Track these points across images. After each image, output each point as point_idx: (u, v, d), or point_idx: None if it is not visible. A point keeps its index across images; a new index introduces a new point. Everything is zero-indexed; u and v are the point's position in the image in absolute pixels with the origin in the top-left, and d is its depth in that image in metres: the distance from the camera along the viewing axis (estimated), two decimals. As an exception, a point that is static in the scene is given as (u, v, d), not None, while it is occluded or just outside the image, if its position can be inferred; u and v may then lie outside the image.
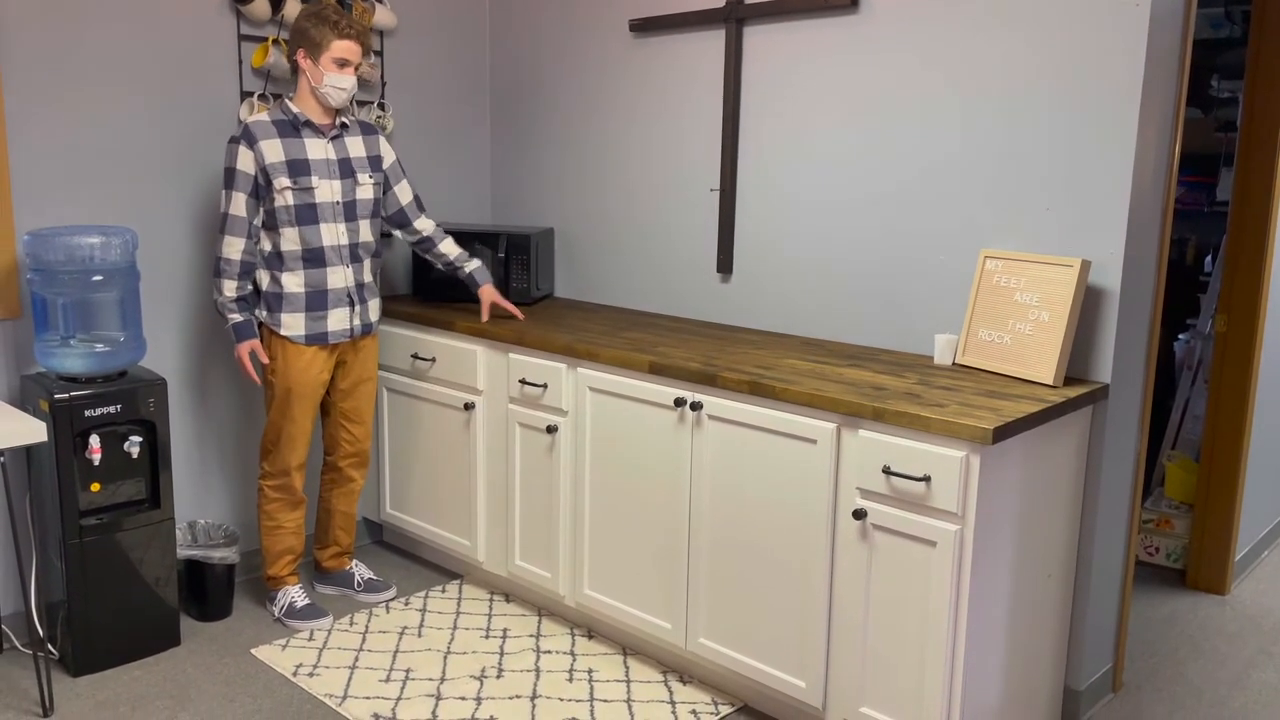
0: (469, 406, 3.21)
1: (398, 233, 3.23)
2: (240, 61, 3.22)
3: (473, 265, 3.26)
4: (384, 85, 3.60)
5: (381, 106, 3.57)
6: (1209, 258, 4.46)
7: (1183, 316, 4.43)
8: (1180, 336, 4.30)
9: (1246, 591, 3.56)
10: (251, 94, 3.24)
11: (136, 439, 2.81)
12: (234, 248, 2.89)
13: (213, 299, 3.10)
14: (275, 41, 3.23)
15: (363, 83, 3.53)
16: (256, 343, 2.94)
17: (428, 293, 3.59)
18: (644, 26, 3.33)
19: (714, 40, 3.17)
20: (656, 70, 3.35)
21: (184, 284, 3.22)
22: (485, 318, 3.20)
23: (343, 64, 2.88)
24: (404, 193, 3.17)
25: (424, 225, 3.22)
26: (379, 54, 3.56)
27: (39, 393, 2.75)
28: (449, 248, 3.26)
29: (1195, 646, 3.16)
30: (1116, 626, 2.82)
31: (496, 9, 3.84)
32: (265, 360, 2.95)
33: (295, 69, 2.93)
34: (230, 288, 2.90)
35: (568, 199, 3.70)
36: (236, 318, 2.92)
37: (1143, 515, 3.75)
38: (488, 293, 3.23)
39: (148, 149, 3.08)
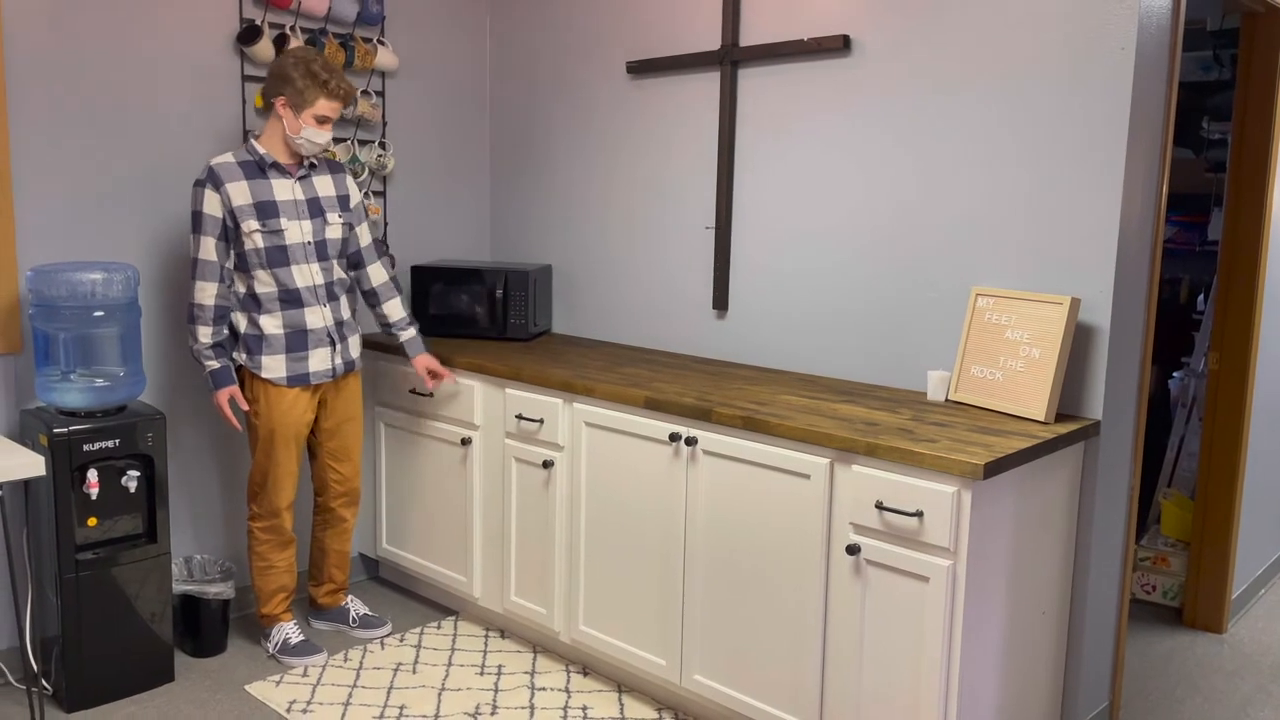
0: (466, 442, 3.22)
1: (350, 274, 3.15)
2: (244, 102, 3.28)
3: (408, 335, 3.18)
4: (385, 125, 3.65)
5: (383, 146, 3.62)
6: (1201, 296, 4.50)
7: (1178, 354, 4.46)
8: (1175, 374, 4.32)
9: (1244, 629, 3.55)
10: (253, 133, 3.29)
11: (134, 473, 2.82)
12: (207, 293, 2.86)
13: (188, 345, 3.05)
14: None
15: (364, 122, 3.58)
16: (235, 389, 2.92)
17: (425, 328, 3.62)
18: (641, 68, 3.39)
19: (709, 82, 3.23)
20: (653, 111, 3.41)
21: (184, 320, 3.24)
22: (431, 385, 3.18)
23: (323, 120, 2.88)
24: (364, 235, 3.13)
25: (376, 274, 3.15)
26: (380, 94, 3.62)
27: (38, 427, 2.76)
28: (393, 309, 3.17)
29: (1193, 685, 3.15)
30: (1113, 664, 2.81)
31: (497, 50, 3.90)
32: (245, 406, 2.94)
33: (268, 108, 2.93)
34: (205, 334, 2.87)
35: (566, 237, 3.74)
36: (214, 364, 2.89)
37: (1139, 553, 3.74)
38: (423, 361, 3.16)
39: (151, 186, 3.12)
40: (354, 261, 3.15)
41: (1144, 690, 3.10)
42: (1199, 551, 3.54)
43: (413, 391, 3.37)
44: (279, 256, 2.91)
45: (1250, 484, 3.57)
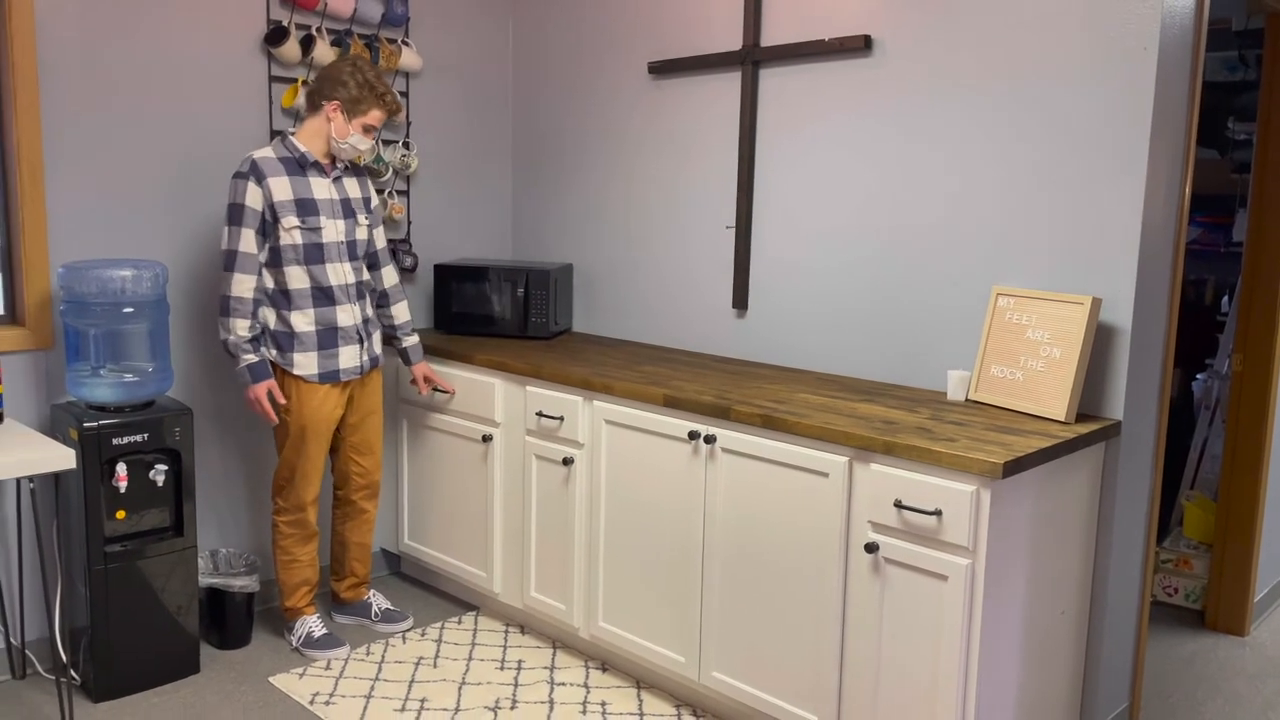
0: (487, 438, 3.25)
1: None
2: (270, 101, 3.32)
3: (411, 341, 3.29)
4: (409, 125, 3.68)
5: (406, 146, 3.66)
6: (1226, 298, 4.47)
7: (1203, 356, 4.43)
8: (1199, 376, 4.30)
9: (1266, 632, 3.53)
10: (281, 133, 3.33)
11: (162, 467, 2.87)
12: (245, 285, 2.88)
13: (220, 339, 3.04)
14: (304, 83, 3.32)
15: (389, 122, 3.61)
16: (273, 382, 2.95)
17: (448, 325, 3.65)
18: (662, 69, 3.41)
19: (731, 82, 3.24)
20: (674, 111, 3.42)
21: (212, 316, 3.29)
22: (424, 391, 3.31)
23: (369, 129, 2.95)
24: (380, 238, 3.18)
25: (389, 276, 3.22)
26: (404, 95, 3.65)
27: (69, 421, 2.81)
28: (401, 312, 3.26)
29: (1214, 687, 3.13)
30: (1133, 665, 2.80)
31: (519, 50, 3.93)
32: (282, 400, 2.97)
33: (313, 108, 2.96)
34: (243, 327, 2.89)
35: (587, 236, 3.76)
36: (251, 358, 2.91)
37: (1162, 555, 3.73)
38: (421, 369, 3.30)
39: (179, 184, 3.16)
40: (370, 263, 3.20)
41: (1165, 692, 3.09)
42: (1221, 554, 3.52)
43: (436, 389, 3.40)
44: (315, 254, 2.94)
45: (1273, 486, 3.55)
